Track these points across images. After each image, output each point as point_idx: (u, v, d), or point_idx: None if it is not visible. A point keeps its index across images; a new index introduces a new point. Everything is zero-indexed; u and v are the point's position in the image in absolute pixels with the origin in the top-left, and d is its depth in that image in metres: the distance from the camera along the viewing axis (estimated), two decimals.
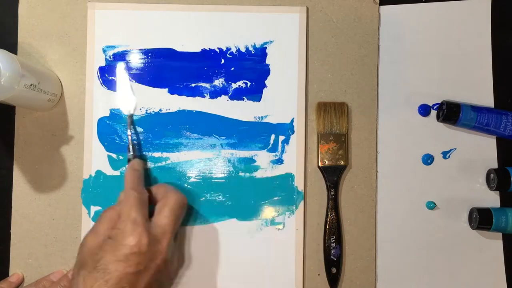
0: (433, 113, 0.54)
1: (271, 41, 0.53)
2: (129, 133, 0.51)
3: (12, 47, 0.53)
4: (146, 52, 0.53)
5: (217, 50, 0.53)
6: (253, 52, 0.53)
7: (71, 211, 0.52)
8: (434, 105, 0.54)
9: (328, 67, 0.54)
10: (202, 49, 0.53)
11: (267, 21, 0.53)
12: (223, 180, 0.53)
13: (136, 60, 0.53)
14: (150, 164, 0.52)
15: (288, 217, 0.52)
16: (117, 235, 0.43)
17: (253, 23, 0.53)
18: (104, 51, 0.53)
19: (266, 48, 0.53)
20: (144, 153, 0.52)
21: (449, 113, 0.52)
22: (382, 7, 0.54)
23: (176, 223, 0.46)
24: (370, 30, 0.54)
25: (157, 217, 0.45)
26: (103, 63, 0.53)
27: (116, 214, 0.45)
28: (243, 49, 0.53)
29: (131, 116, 0.52)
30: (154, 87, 0.53)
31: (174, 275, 0.50)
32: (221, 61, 0.53)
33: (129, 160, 0.51)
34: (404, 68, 0.54)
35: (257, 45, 0.53)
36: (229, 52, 0.53)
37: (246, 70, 0.53)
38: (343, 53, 0.54)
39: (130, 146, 0.51)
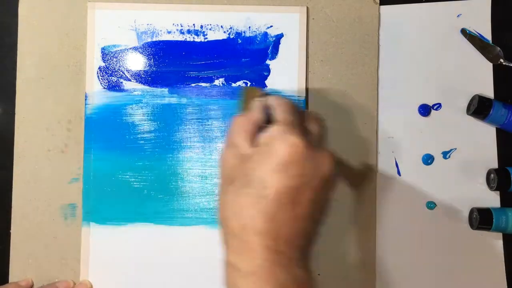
0: (433, 113, 0.54)
1: (271, 41, 0.53)
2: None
3: (12, 47, 0.53)
4: (146, 52, 0.53)
5: (217, 50, 0.53)
6: (253, 52, 0.53)
7: (71, 211, 0.52)
8: (434, 105, 0.54)
9: (328, 67, 0.54)
10: (201, 48, 0.53)
11: (267, 21, 0.53)
12: None
13: (136, 59, 0.53)
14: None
15: None
16: (269, 141, 0.36)
17: (253, 23, 0.53)
18: (104, 50, 0.53)
19: (265, 48, 0.53)
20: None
21: (480, 107, 0.52)
22: (382, 7, 0.54)
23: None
24: (370, 30, 0.54)
25: (308, 125, 0.39)
26: (103, 63, 0.53)
27: (252, 122, 0.38)
28: (243, 49, 0.53)
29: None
30: (154, 87, 0.53)
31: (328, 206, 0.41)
32: (221, 59, 0.53)
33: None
34: (404, 68, 0.54)
35: (257, 45, 0.53)
36: (229, 52, 0.53)
37: (246, 69, 0.53)
38: (343, 53, 0.54)
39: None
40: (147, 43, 0.53)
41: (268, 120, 0.39)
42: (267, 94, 0.47)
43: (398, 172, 0.54)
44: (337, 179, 0.40)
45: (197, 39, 0.53)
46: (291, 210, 0.35)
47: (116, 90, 0.53)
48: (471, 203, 0.54)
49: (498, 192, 0.54)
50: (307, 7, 0.53)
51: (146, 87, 0.53)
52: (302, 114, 0.40)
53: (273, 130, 0.37)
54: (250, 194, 0.35)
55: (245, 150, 0.37)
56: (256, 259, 0.34)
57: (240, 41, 0.53)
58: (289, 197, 0.35)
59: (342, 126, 0.53)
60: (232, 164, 0.37)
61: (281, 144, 0.35)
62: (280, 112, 0.39)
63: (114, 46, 0.53)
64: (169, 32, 0.53)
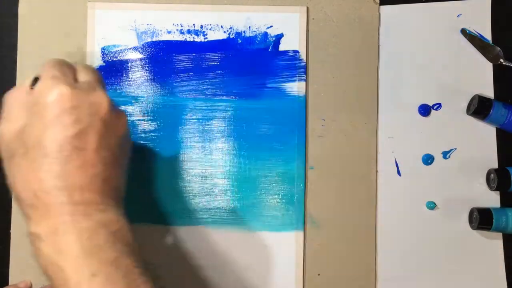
0: (433, 113, 0.54)
1: (271, 41, 0.53)
2: None
3: (12, 47, 0.53)
4: (146, 52, 0.53)
5: (217, 50, 0.53)
6: (253, 52, 0.53)
7: None
8: (434, 105, 0.54)
9: (328, 67, 0.54)
10: (201, 48, 0.53)
11: (267, 21, 0.53)
12: (222, 179, 0.52)
13: (136, 59, 0.53)
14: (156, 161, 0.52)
15: (288, 216, 0.52)
16: (36, 101, 0.35)
17: (253, 23, 0.53)
18: (104, 50, 0.53)
19: (265, 48, 0.53)
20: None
21: (480, 107, 0.52)
22: (382, 7, 0.54)
23: (101, 79, 0.40)
24: (370, 30, 0.54)
25: (78, 76, 0.39)
26: (103, 63, 0.53)
27: (20, 90, 0.37)
28: (243, 49, 0.53)
29: None
30: (154, 87, 0.53)
31: (128, 146, 0.40)
32: (221, 60, 0.53)
33: None
34: (404, 68, 0.54)
35: (257, 45, 0.53)
36: (228, 52, 0.53)
37: (246, 69, 0.53)
38: (343, 53, 0.54)
39: None
40: (147, 43, 0.53)
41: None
42: None
43: (398, 172, 0.54)
44: (123, 116, 0.39)
45: (197, 39, 0.53)
46: (77, 159, 0.34)
47: (116, 90, 0.53)
48: (471, 203, 0.54)
49: (498, 192, 0.54)
50: (307, 7, 0.53)
51: (146, 87, 0.53)
52: (71, 67, 0.39)
53: (37, 88, 0.36)
54: (32, 159, 0.34)
55: (20, 120, 0.36)
56: (54, 218, 0.34)
57: (240, 41, 0.53)
58: (71, 147, 0.34)
59: (342, 126, 0.53)
60: (10, 138, 0.36)
61: (47, 97, 0.34)
62: (42, 70, 0.37)
63: (114, 46, 0.53)
64: (169, 32, 0.53)
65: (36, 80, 0.37)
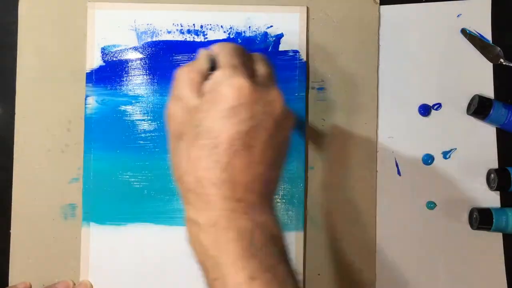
0: (433, 113, 0.54)
1: (271, 41, 0.53)
2: None
3: (12, 47, 0.53)
4: (146, 52, 0.53)
5: None
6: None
7: (71, 211, 0.52)
8: (434, 105, 0.54)
9: (328, 67, 0.54)
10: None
11: (267, 21, 0.53)
12: None
13: (136, 59, 0.53)
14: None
15: (288, 216, 0.52)
16: (214, 88, 0.35)
17: (253, 23, 0.53)
18: (104, 50, 0.53)
19: (265, 48, 0.53)
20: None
21: (480, 107, 0.52)
22: (382, 7, 0.54)
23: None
24: (370, 30, 0.54)
25: (256, 68, 0.38)
26: (103, 63, 0.53)
27: (196, 71, 0.37)
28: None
29: None
30: (154, 86, 0.53)
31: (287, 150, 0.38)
32: None
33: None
34: (404, 68, 0.54)
35: (257, 45, 0.53)
36: None
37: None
38: (343, 53, 0.54)
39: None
40: (147, 43, 0.53)
41: (213, 68, 0.37)
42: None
43: (398, 172, 0.54)
44: (291, 116, 0.37)
45: (197, 39, 0.53)
46: (246, 155, 0.34)
47: (116, 90, 0.53)
48: (471, 203, 0.54)
49: (498, 192, 0.54)
50: (307, 7, 0.53)
51: (146, 87, 0.53)
52: (248, 56, 0.39)
53: (216, 75, 0.35)
54: (202, 145, 0.34)
55: (192, 101, 0.36)
56: (215, 210, 0.33)
57: (240, 41, 0.53)
58: (242, 142, 0.33)
59: (342, 126, 0.53)
60: (180, 118, 0.36)
61: (226, 88, 0.34)
62: (222, 56, 0.37)
63: (114, 46, 0.53)
64: (169, 32, 0.53)
65: (213, 63, 0.37)
